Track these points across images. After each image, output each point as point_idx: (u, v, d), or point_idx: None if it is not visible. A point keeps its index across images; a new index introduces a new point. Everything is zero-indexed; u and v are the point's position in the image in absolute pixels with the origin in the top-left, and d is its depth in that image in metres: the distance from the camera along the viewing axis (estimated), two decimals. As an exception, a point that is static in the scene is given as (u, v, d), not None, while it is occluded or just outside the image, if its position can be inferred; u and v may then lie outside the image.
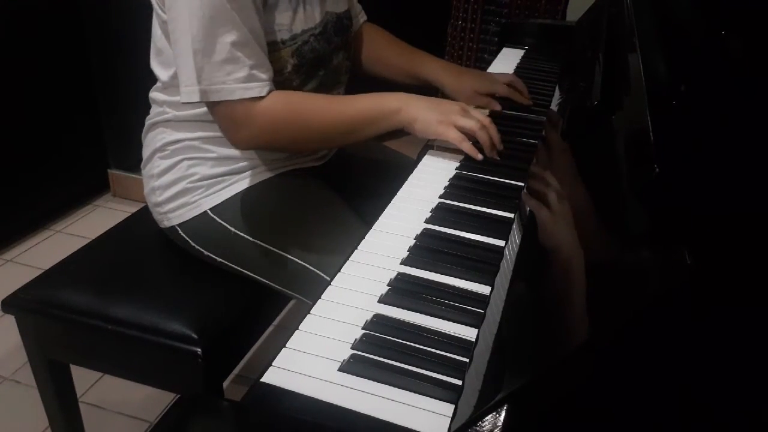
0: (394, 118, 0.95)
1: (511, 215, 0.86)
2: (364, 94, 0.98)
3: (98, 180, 2.24)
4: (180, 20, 0.86)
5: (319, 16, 1.01)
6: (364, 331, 0.65)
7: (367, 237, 0.82)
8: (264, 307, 1.10)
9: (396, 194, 0.92)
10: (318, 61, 1.02)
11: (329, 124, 0.96)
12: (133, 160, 2.16)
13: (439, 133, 0.95)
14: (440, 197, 0.91)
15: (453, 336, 0.65)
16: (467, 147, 0.95)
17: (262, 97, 0.91)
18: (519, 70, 1.48)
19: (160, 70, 1.01)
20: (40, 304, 1.00)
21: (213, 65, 0.87)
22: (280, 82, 0.96)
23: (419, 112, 0.95)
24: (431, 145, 1.07)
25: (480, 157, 0.96)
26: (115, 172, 2.24)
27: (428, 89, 1.16)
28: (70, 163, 2.12)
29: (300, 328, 0.66)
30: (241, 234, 1.00)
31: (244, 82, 0.89)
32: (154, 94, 1.04)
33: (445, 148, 1.05)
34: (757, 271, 0.41)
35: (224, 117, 0.93)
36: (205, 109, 0.97)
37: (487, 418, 0.47)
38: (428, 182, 0.95)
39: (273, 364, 0.61)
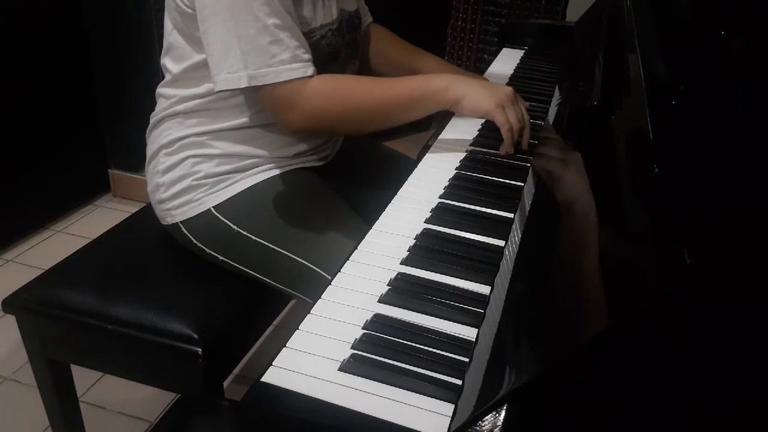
0: (441, 97, 0.96)
1: (511, 215, 0.86)
2: (410, 76, 1.01)
3: (98, 180, 2.24)
4: (217, 8, 0.87)
5: (335, 12, 1.03)
6: (364, 331, 0.65)
7: (367, 237, 0.82)
8: (264, 307, 1.10)
9: (396, 194, 0.92)
10: (332, 56, 1.04)
11: (376, 103, 0.97)
12: (133, 160, 2.17)
13: (489, 111, 0.96)
14: (440, 197, 0.91)
15: (453, 336, 0.65)
16: (509, 136, 0.97)
17: (308, 78, 0.92)
18: (519, 70, 1.48)
19: (171, 64, 1.01)
20: (40, 304, 1.00)
21: (259, 49, 0.88)
22: None
23: (467, 90, 0.96)
24: (430, 145, 1.07)
25: (512, 151, 0.98)
26: (116, 172, 2.25)
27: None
28: (71, 163, 2.12)
29: (300, 327, 0.66)
30: (244, 232, 1.00)
31: (290, 63, 0.90)
32: (162, 90, 1.05)
33: (444, 146, 1.05)
34: (757, 271, 0.41)
35: (272, 100, 0.93)
36: (213, 97, 0.98)
37: (487, 418, 0.47)
38: (428, 182, 0.95)
39: (273, 363, 0.61)
